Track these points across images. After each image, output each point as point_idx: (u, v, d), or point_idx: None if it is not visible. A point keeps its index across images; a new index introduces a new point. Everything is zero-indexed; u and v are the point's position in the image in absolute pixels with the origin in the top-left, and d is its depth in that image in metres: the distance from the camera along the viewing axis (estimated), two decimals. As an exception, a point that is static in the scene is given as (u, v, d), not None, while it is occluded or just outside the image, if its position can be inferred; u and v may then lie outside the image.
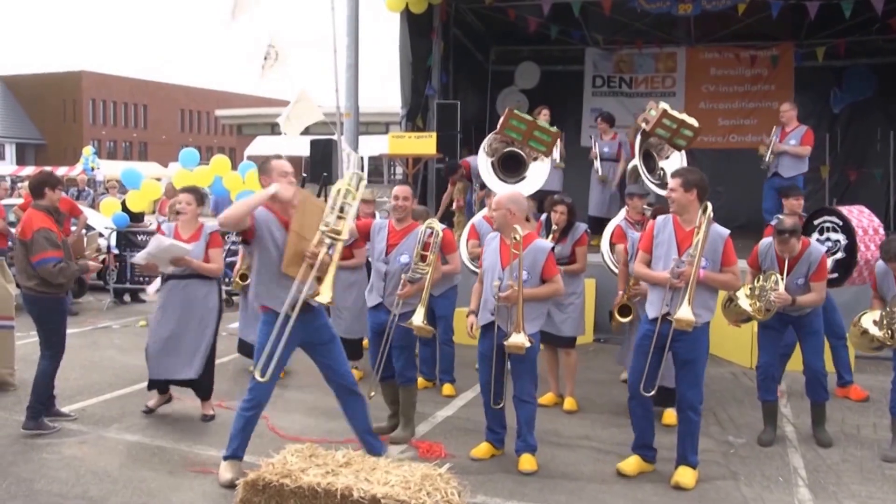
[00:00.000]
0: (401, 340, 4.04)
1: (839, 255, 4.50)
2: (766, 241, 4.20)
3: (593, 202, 7.69)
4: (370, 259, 4.46)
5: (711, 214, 3.53)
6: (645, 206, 5.12)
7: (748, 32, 9.68)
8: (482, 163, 6.41)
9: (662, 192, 5.60)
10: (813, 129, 7.21)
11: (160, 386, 4.52)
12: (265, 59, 7.65)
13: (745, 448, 4.08)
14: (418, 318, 3.95)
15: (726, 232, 3.61)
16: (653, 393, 3.58)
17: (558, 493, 3.46)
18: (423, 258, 4.02)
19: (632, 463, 3.70)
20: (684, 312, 3.41)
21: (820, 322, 4.18)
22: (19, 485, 3.45)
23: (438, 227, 4.13)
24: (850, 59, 9.87)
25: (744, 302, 4.02)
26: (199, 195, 4.58)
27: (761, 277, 4.06)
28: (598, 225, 6.63)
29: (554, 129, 6.36)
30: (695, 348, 3.53)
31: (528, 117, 6.28)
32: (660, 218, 3.76)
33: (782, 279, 3.93)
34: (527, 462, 3.70)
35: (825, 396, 4.18)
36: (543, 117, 7.39)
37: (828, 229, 4.60)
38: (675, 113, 6.20)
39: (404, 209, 4.11)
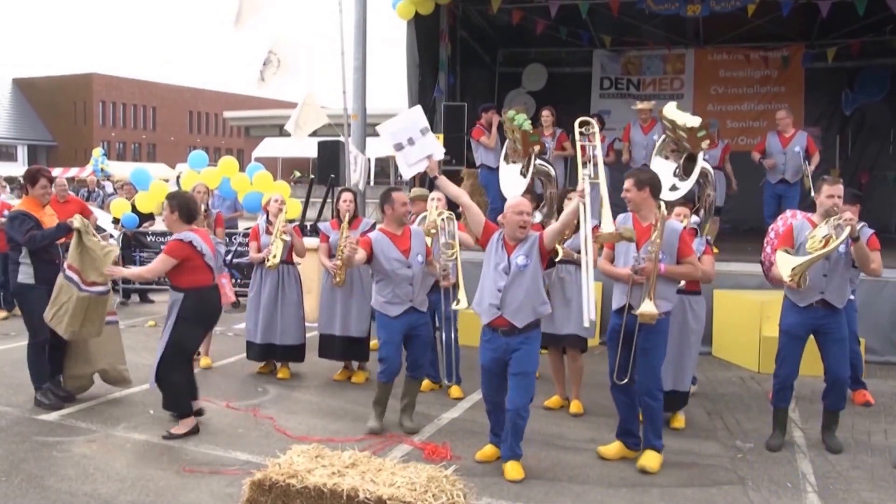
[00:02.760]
0: (430, 338, 4.45)
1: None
2: (799, 221, 4.11)
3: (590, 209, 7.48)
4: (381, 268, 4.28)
5: (665, 212, 3.70)
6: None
7: (757, 33, 9.62)
8: (508, 175, 6.48)
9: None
10: (823, 132, 7.18)
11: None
12: (265, 65, 7.68)
13: (752, 453, 4.05)
14: (464, 303, 4.34)
15: (680, 226, 3.84)
16: (626, 381, 3.76)
17: (564, 497, 3.45)
18: (449, 246, 4.64)
19: (613, 448, 3.87)
20: (647, 307, 3.60)
21: (846, 330, 4.08)
22: (30, 482, 3.48)
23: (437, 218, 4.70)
24: (862, 60, 9.77)
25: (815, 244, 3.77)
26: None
27: (832, 220, 3.84)
28: None
29: (523, 128, 6.42)
30: (652, 338, 3.70)
31: (508, 116, 6.47)
32: (620, 216, 3.93)
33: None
34: (513, 470, 3.62)
35: (842, 406, 4.13)
36: (545, 118, 7.40)
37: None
38: (668, 113, 6.16)
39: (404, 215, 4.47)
